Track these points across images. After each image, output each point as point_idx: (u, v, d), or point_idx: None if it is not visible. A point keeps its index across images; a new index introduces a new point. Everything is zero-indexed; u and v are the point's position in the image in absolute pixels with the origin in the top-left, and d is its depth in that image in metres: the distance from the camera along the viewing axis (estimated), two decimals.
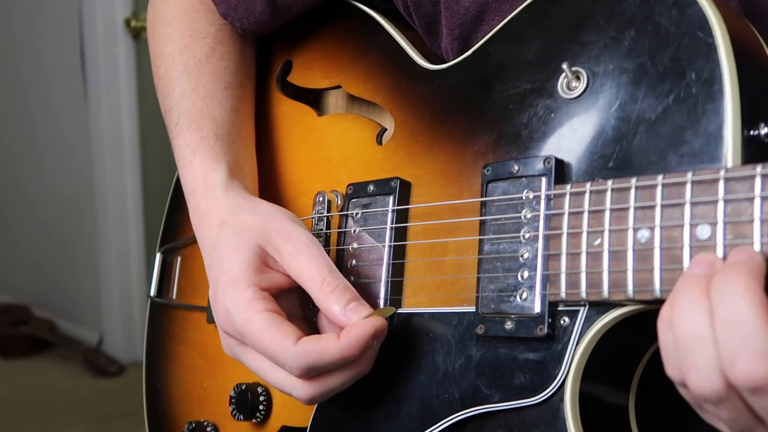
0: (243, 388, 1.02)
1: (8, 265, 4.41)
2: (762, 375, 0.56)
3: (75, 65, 3.66)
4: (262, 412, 1.02)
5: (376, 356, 0.85)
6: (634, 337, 0.77)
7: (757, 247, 0.62)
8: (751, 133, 0.67)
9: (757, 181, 0.63)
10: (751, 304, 0.57)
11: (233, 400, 1.03)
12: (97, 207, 3.78)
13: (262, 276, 0.86)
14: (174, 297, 1.27)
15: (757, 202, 0.62)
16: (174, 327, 1.24)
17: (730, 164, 0.66)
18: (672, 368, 0.63)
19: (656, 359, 0.77)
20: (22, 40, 3.96)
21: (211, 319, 1.12)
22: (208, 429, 1.09)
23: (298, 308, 0.92)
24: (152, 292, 1.29)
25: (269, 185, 1.10)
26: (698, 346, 0.59)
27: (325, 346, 0.79)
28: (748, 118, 0.67)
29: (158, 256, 1.30)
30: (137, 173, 3.71)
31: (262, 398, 1.02)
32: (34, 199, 4.17)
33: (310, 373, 0.80)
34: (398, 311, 0.88)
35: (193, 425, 1.09)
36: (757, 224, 0.62)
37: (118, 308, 3.82)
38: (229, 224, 0.90)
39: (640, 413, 0.79)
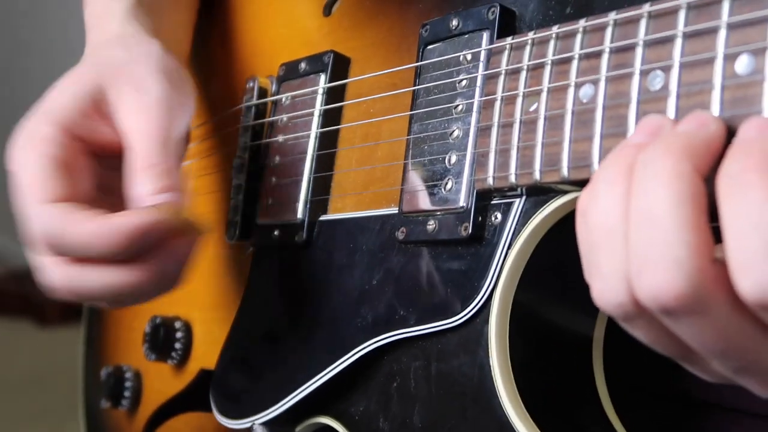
0: (157, 321, 0.99)
1: None
2: (673, 293, 0.46)
3: None
4: (179, 352, 0.98)
5: (177, 276, 0.75)
6: None
7: (716, 97, 0.53)
8: None
9: (725, 5, 0.54)
10: (674, 196, 0.47)
11: (147, 337, 1.00)
12: None
13: (83, 121, 0.78)
14: None
15: (722, 34, 0.54)
16: None
17: None
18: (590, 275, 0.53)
19: None
20: None
21: None
22: (127, 375, 1.07)
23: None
24: None
25: (218, 77, 1.06)
26: (605, 243, 0.50)
27: (77, 219, 0.71)
28: None
29: None
30: None
31: (179, 335, 0.99)
32: None
33: (55, 247, 0.72)
34: (320, 219, 0.83)
35: (110, 370, 1.08)
36: (719, 63, 0.53)
37: None
38: (94, 55, 0.85)
39: (612, 350, 0.71)
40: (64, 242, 0.71)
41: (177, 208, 0.73)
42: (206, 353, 0.98)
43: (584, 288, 0.70)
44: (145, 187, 0.73)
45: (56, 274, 0.74)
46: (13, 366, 3.51)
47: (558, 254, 0.67)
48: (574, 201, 0.64)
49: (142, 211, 0.71)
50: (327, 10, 0.93)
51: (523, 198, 0.67)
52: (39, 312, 3.93)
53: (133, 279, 0.73)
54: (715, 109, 0.53)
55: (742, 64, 0.52)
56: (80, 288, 0.74)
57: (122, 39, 0.86)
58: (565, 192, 0.64)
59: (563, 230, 0.66)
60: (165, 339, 0.98)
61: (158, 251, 0.72)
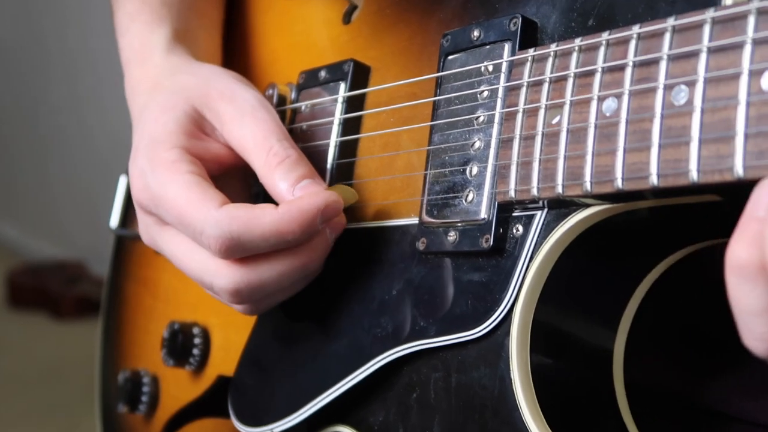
0: (176, 327, 0.99)
1: (63, 215, 4.50)
2: None
3: None
4: (197, 358, 0.99)
5: (328, 252, 0.79)
6: (622, 256, 0.69)
7: (741, 113, 0.53)
8: None
9: (751, 20, 0.54)
10: None
11: (166, 343, 1.00)
12: None
13: (193, 141, 0.81)
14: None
15: (747, 49, 0.53)
16: (131, 264, 1.24)
17: (730, 2, 0.58)
18: (756, 338, 0.49)
19: (664, 294, 0.69)
20: None
21: None
22: (144, 379, 1.07)
23: (243, 196, 0.88)
24: (113, 223, 1.29)
25: None
26: None
27: (258, 214, 0.73)
28: None
29: (122, 179, 1.29)
30: None
31: (197, 340, 0.99)
32: (73, 149, 4.27)
33: (234, 248, 0.74)
34: None
35: (128, 374, 1.08)
36: (744, 79, 0.53)
37: None
38: (163, 86, 0.86)
39: (633, 363, 0.71)
40: (250, 238, 0.73)
41: (347, 191, 0.79)
42: (224, 359, 0.98)
43: (605, 301, 0.70)
44: (286, 182, 0.76)
45: (233, 276, 0.76)
46: (29, 359, 3.53)
47: (580, 267, 0.67)
48: (596, 215, 0.64)
49: (319, 192, 0.75)
50: (347, 18, 0.93)
51: (545, 210, 0.66)
52: (55, 305, 3.96)
53: (299, 260, 0.76)
54: (740, 125, 0.53)
55: None
56: (255, 283, 0.76)
57: (177, 67, 0.89)
58: (588, 205, 0.64)
59: (585, 243, 0.66)
60: (183, 345, 0.98)
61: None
